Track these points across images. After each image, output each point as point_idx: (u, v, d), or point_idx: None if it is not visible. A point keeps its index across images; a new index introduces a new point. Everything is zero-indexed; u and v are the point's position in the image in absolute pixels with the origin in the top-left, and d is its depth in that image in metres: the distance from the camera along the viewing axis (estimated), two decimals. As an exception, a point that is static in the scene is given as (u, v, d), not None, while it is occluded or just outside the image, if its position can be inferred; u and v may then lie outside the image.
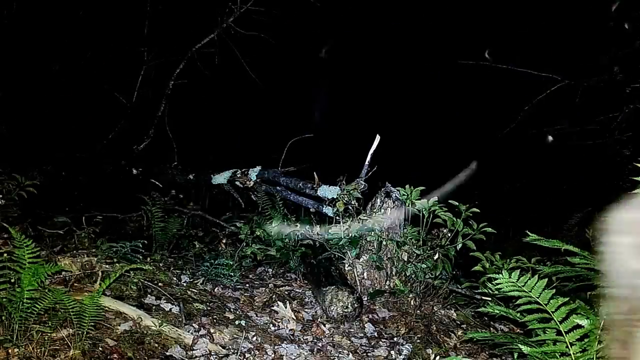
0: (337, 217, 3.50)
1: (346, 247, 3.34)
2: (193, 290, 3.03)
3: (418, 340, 2.82)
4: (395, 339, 2.85)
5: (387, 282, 3.27)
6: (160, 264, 3.35)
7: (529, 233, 2.20)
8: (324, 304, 3.00)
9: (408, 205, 3.37)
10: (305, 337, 2.75)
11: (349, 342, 2.76)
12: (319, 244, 3.61)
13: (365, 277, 3.30)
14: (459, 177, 3.80)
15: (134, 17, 6.24)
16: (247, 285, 3.38)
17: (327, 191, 3.96)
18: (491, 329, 3.22)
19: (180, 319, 2.61)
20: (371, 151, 3.82)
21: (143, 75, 5.98)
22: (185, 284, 3.11)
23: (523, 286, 1.88)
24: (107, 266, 2.93)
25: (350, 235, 3.32)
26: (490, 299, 3.15)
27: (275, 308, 3.00)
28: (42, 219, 3.95)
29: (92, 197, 5.27)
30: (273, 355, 2.49)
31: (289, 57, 9.80)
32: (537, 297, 1.86)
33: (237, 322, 2.75)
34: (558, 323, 1.83)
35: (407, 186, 3.39)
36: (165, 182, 5.32)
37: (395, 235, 3.31)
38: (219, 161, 6.97)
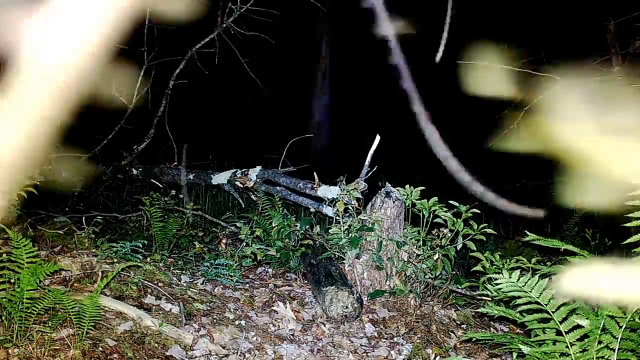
0: (337, 217, 3.50)
1: (346, 247, 3.34)
2: (193, 290, 3.03)
3: (418, 340, 2.82)
4: (395, 339, 2.85)
5: (387, 282, 3.27)
6: (160, 264, 3.35)
7: (527, 233, 2.20)
8: (324, 304, 3.00)
9: (408, 206, 3.37)
10: (305, 337, 2.75)
11: (349, 342, 2.76)
12: (319, 244, 3.61)
13: (365, 277, 3.30)
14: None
15: (133, 17, 6.23)
16: (247, 285, 3.38)
17: (327, 191, 3.96)
18: (491, 329, 3.22)
19: (180, 319, 2.61)
20: (371, 151, 3.82)
21: (143, 75, 5.97)
22: (185, 284, 3.11)
23: (523, 286, 1.88)
24: (107, 266, 2.93)
25: (350, 235, 3.32)
26: (490, 299, 3.15)
27: (275, 308, 3.00)
28: (42, 219, 3.95)
29: (92, 197, 5.27)
30: (273, 355, 2.49)
31: (289, 57, 9.80)
32: (537, 297, 1.86)
33: (237, 322, 2.76)
34: (558, 323, 1.83)
35: (407, 186, 3.39)
36: (165, 182, 5.32)
37: (395, 235, 3.31)
38: (219, 161, 6.98)
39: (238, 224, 3.81)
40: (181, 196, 4.77)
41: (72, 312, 2.06)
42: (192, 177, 5.20)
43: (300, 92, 10.12)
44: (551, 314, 1.84)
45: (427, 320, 3.04)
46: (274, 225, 3.72)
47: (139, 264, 3.00)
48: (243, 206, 4.84)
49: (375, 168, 3.85)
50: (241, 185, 4.73)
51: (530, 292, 1.88)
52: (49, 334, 2.10)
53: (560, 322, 1.83)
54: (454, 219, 3.23)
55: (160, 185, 5.22)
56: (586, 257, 2.03)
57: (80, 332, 2.09)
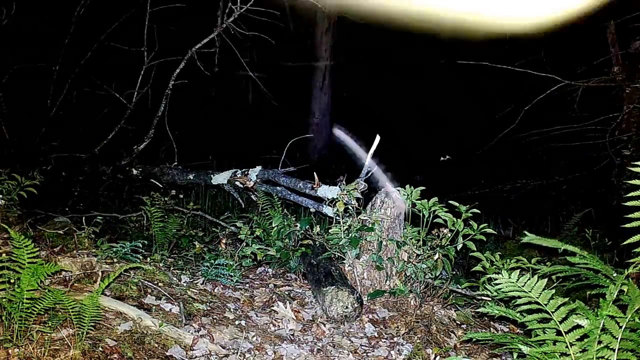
0: (337, 217, 3.50)
1: (346, 247, 3.34)
2: (193, 290, 3.03)
3: (418, 340, 2.82)
4: (395, 339, 2.85)
5: (387, 282, 3.27)
6: (160, 264, 3.35)
7: (526, 233, 2.20)
8: (324, 304, 3.00)
9: (408, 206, 3.37)
10: (305, 337, 2.76)
11: (349, 342, 2.76)
12: (319, 244, 3.61)
13: (365, 277, 3.30)
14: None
15: (134, 17, 6.24)
16: (247, 285, 3.39)
17: (327, 191, 3.96)
18: (491, 329, 3.22)
19: (180, 319, 2.61)
20: (371, 151, 3.82)
21: (143, 75, 5.97)
22: (185, 284, 3.11)
23: (523, 286, 1.88)
24: (107, 266, 2.93)
25: (350, 235, 3.32)
26: (490, 299, 3.15)
27: (275, 308, 3.01)
28: (42, 219, 3.95)
29: (92, 197, 5.27)
30: (273, 355, 2.49)
31: (289, 57, 9.81)
32: (537, 297, 1.86)
33: (237, 322, 2.76)
34: (558, 323, 1.83)
35: (407, 186, 3.39)
36: (165, 182, 5.32)
37: (395, 235, 3.31)
38: (219, 161, 6.98)
39: (238, 224, 3.81)
40: (181, 196, 4.77)
41: (72, 312, 2.06)
42: (192, 177, 5.20)
43: (300, 92, 10.11)
44: (551, 314, 1.84)
45: (427, 320, 3.04)
46: (274, 225, 3.72)
47: (140, 265, 3.00)
48: (243, 206, 4.84)
49: (375, 168, 3.85)
50: (241, 185, 4.73)
51: (530, 292, 1.88)
52: (49, 334, 2.10)
53: (560, 322, 1.83)
54: (454, 219, 3.23)
55: (160, 185, 5.22)
56: (585, 257, 2.03)
57: (80, 332, 2.09)
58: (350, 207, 3.46)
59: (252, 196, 4.68)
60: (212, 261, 3.36)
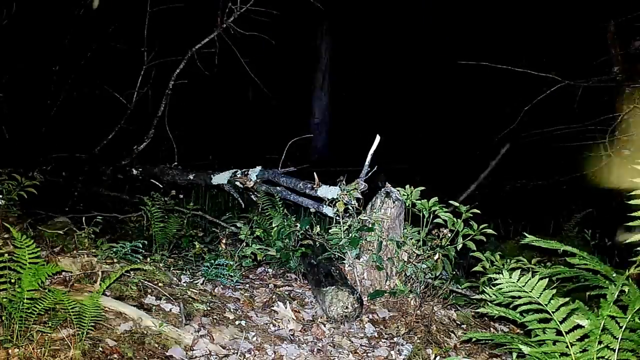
0: (337, 217, 3.50)
1: (346, 247, 3.34)
2: (193, 290, 3.03)
3: (418, 340, 2.82)
4: (395, 339, 2.85)
5: (387, 282, 3.27)
6: (160, 264, 3.35)
7: (526, 235, 2.20)
8: (324, 304, 3.00)
9: (408, 206, 3.37)
10: (305, 337, 2.76)
11: (349, 342, 2.76)
12: (319, 244, 3.61)
13: (365, 277, 3.30)
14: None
15: (134, 17, 6.24)
16: (247, 285, 3.38)
17: (327, 191, 3.96)
18: (491, 329, 3.23)
19: (180, 319, 2.61)
20: (371, 151, 3.82)
21: (143, 75, 5.97)
22: (185, 284, 3.11)
23: (524, 286, 1.88)
24: (107, 266, 2.93)
25: (350, 235, 3.32)
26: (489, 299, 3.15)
27: (275, 308, 3.01)
28: (42, 219, 3.94)
29: (92, 197, 5.27)
30: (273, 356, 2.49)
31: (289, 57, 9.81)
32: (538, 297, 1.86)
33: (237, 322, 2.76)
34: (558, 323, 1.83)
35: (407, 186, 3.39)
36: (166, 182, 5.32)
37: (395, 235, 3.31)
38: (219, 161, 6.98)
39: (238, 224, 3.81)
40: (181, 196, 4.77)
41: (72, 312, 2.06)
42: (192, 177, 5.20)
43: (300, 92, 10.12)
44: (551, 314, 1.84)
45: (427, 321, 3.04)
46: (274, 225, 3.71)
47: (140, 265, 3.00)
48: (243, 206, 4.84)
49: (375, 168, 3.85)
50: (241, 186, 4.73)
51: (531, 292, 1.88)
52: (49, 334, 2.10)
53: (561, 322, 1.83)
54: (454, 219, 3.23)
55: (160, 185, 5.22)
56: (585, 257, 2.03)
57: (80, 332, 2.09)
58: (350, 207, 3.46)
59: (252, 196, 4.68)
60: (212, 261, 3.36)
